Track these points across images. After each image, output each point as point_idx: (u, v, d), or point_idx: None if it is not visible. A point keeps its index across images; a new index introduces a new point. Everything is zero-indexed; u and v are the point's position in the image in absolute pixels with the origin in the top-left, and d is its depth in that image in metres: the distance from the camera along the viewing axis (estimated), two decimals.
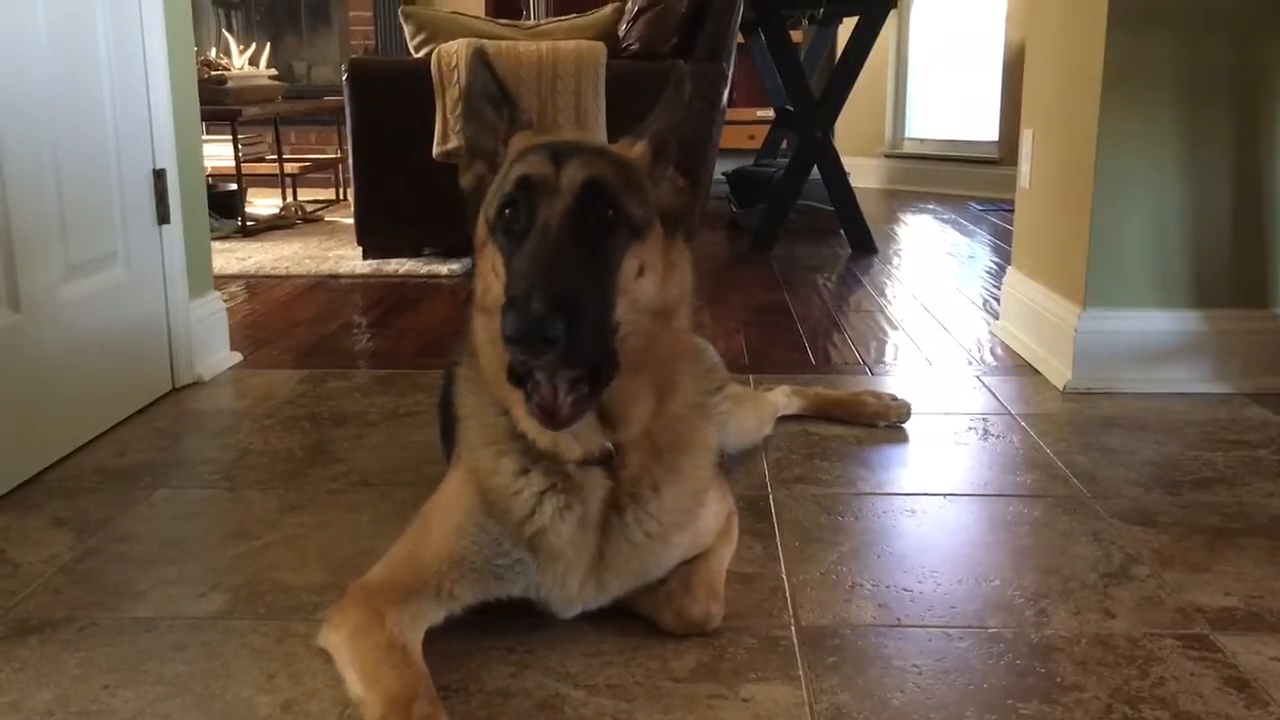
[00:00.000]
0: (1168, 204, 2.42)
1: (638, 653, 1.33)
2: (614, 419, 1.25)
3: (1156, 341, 2.45)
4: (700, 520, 1.40)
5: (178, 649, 1.35)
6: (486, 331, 1.25)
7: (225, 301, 2.78)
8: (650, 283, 1.22)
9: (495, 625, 1.37)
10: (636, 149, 1.29)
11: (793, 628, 1.40)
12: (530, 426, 1.24)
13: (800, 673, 1.30)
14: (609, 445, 1.26)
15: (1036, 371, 2.62)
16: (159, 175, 2.38)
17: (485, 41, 3.96)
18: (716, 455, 1.43)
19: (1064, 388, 2.45)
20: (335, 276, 3.97)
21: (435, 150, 3.83)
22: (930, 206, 6.09)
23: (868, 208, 4.92)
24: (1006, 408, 2.35)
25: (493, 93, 1.34)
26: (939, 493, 1.88)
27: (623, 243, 1.19)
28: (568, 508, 1.28)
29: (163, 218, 2.40)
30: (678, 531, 1.36)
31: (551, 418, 1.15)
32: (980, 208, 5.92)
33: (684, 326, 1.31)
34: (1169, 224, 2.43)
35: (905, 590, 1.51)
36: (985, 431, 2.19)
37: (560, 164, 1.20)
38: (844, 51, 4.63)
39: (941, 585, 1.52)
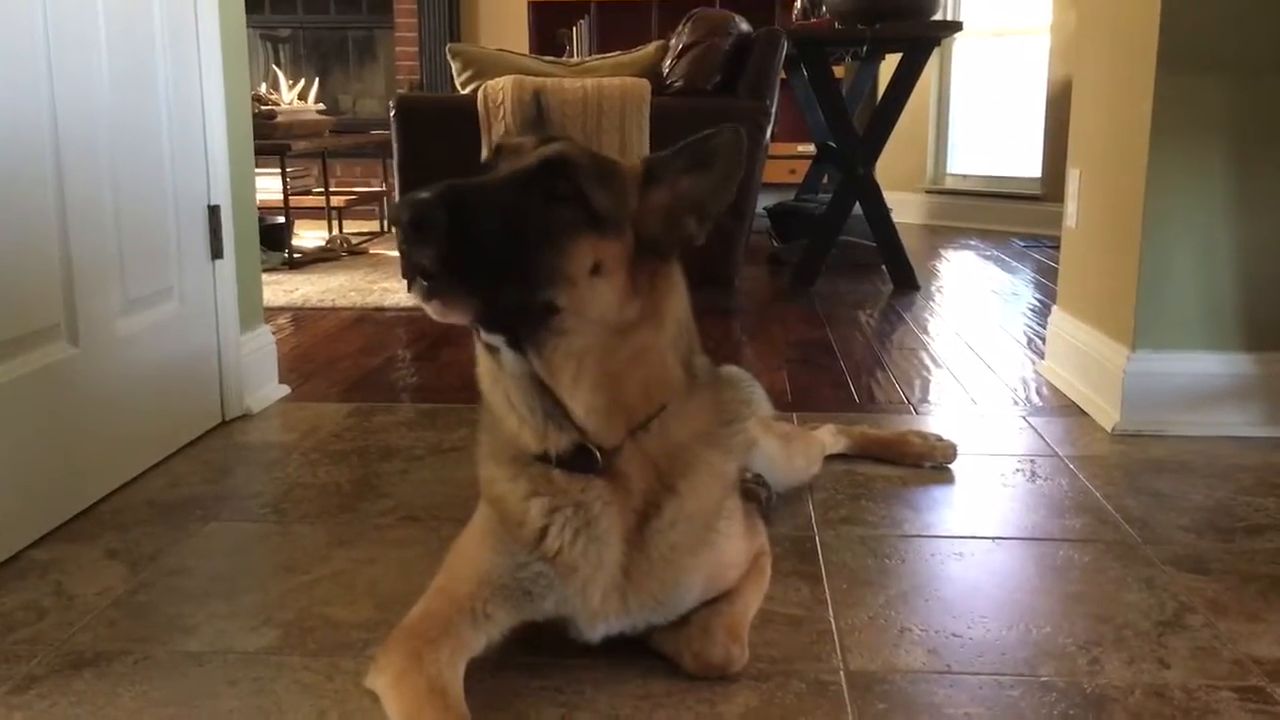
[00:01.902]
0: (1218, 245, 2.40)
1: (686, 695, 1.33)
2: (565, 408, 1.23)
3: (1206, 384, 2.42)
4: (718, 552, 1.38)
5: (230, 684, 1.36)
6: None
7: (273, 334, 2.81)
8: (606, 287, 1.18)
9: (544, 666, 1.38)
10: (632, 163, 1.28)
11: (841, 672, 1.39)
12: (502, 408, 1.28)
13: (850, 718, 1.29)
14: (589, 447, 1.24)
15: (1083, 412, 2.59)
16: (213, 211, 2.43)
17: (532, 79, 4.01)
18: (732, 484, 1.41)
19: (1112, 429, 2.43)
20: (380, 309, 4.01)
21: None
22: (972, 242, 6.07)
23: (909, 243, 4.91)
24: (1054, 449, 2.33)
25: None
26: (987, 536, 1.86)
27: (573, 222, 1.16)
28: (557, 509, 1.27)
29: (216, 253, 2.45)
30: (689, 555, 1.33)
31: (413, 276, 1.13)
32: (1023, 244, 5.89)
33: (660, 348, 1.26)
34: (1220, 265, 2.40)
35: (955, 636, 1.49)
36: (1032, 473, 2.17)
37: (542, 143, 1.23)
38: (887, 88, 4.63)
39: (991, 631, 1.51)
